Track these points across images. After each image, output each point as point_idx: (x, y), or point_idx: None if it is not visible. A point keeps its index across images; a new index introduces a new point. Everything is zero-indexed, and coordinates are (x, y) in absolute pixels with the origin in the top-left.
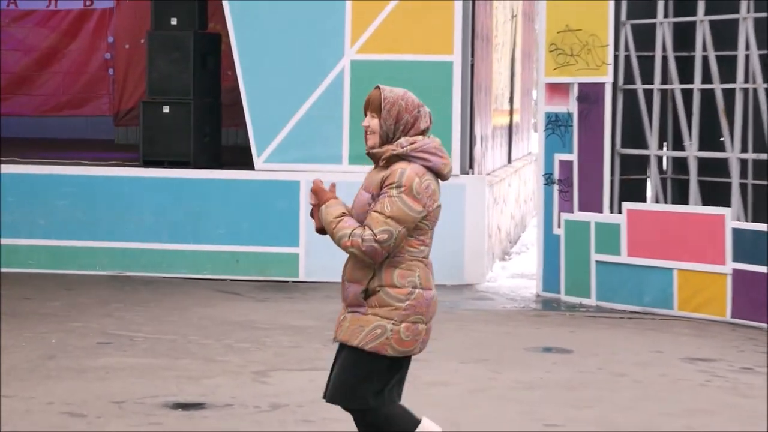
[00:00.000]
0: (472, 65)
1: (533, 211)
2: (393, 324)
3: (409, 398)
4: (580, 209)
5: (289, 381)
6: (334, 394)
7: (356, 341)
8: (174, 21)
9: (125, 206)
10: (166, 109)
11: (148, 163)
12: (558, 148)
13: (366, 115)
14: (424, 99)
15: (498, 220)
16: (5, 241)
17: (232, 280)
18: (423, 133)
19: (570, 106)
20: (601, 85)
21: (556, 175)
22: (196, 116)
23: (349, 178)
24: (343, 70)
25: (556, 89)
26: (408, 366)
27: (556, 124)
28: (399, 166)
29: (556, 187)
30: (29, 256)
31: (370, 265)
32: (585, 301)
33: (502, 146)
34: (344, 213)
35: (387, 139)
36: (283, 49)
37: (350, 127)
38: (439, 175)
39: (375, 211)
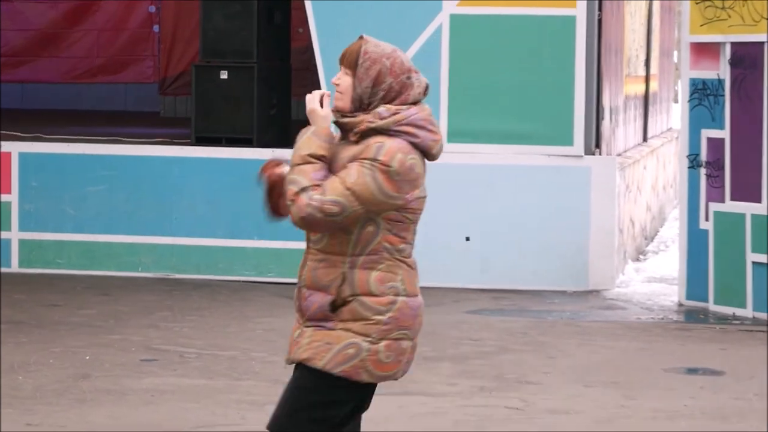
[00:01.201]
0: (600, 20)
1: (674, 201)
2: (370, 342)
3: (522, 429)
4: (733, 198)
5: (373, 407)
6: (283, 423)
7: (321, 362)
8: None
9: (173, 194)
10: (223, 75)
11: (201, 141)
12: (706, 123)
13: (340, 70)
14: (541, 61)
15: (631, 211)
16: (26, 236)
17: None
18: (413, 106)
19: (721, 71)
20: (760, 45)
21: (704, 157)
22: (260, 83)
23: (449, 159)
24: (441, 26)
25: (704, 50)
26: (374, 391)
27: (703, 93)
28: (375, 140)
29: (703, 171)
30: (57, 253)
31: (337, 265)
32: (739, 311)
33: (636, 120)
34: (324, 157)
35: (360, 105)
36: (367, 3)
37: (449, 96)
38: (427, 154)
39: (336, 176)
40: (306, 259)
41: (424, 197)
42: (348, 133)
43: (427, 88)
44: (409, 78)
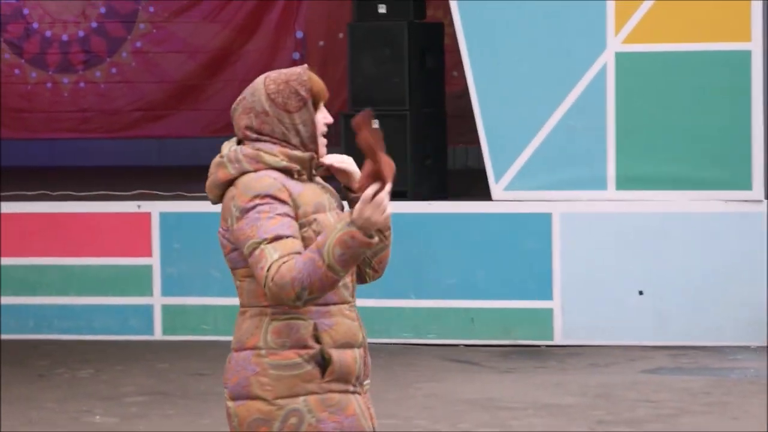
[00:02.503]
0: None
1: None
2: None
3: None
4: None
5: None
6: None
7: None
8: (382, 9)
9: None
10: (374, 124)
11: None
12: None
13: (323, 107)
14: (714, 100)
15: None
16: (169, 301)
17: (466, 345)
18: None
19: None
20: None
21: None
22: (413, 132)
23: (618, 208)
24: (605, 66)
25: None
26: None
27: None
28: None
29: None
30: (201, 319)
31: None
32: None
33: None
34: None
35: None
36: (526, 43)
37: (616, 140)
38: None
39: None
40: (354, 317)
41: None
42: (308, 172)
43: None
44: None
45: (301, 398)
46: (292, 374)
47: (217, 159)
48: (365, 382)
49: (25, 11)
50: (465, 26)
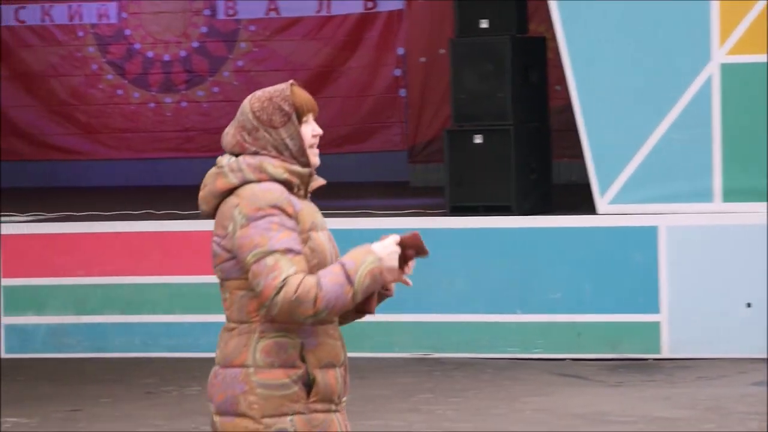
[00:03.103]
0: None
1: None
2: None
3: None
4: None
5: None
6: None
7: None
8: (484, 24)
9: (429, 267)
10: (478, 139)
11: (456, 211)
12: None
13: (311, 119)
14: None
15: None
16: None
17: (573, 359)
18: None
19: None
20: None
21: None
22: (518, 147)
23: (724, 220)
24: (711, 77)
25: None
26: None
27: None
28: None
29: None
30: None
31: None
32: None
33: None
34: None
35: None
36: (630, 55)
37: (722, 153)
38: None
39: None
40: (337, 336)
41: None
42: (305, 188)
43: None
44: None
45: (288, 418)
46: (281, 394)
47: (213, 170)
48: (343, 399)
49: (127, 32)
50: (568, 40)
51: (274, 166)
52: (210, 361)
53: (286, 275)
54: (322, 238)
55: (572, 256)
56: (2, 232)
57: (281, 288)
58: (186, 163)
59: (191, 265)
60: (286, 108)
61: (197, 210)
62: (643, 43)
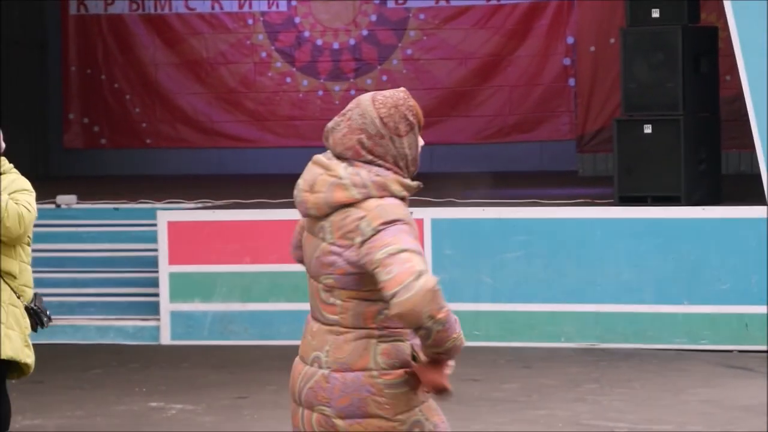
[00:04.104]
0: None
1: None
2: None
3: None
4: None
5: None
6: None
7: None
8: (656, 13)
9: (596, 258)
10: (647, 129)
11: (625, 201)
12: None
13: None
14: None
15: None
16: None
17: (741, 351)
18: None
19: None
20: None
21: None
22: (687, 137)
23: None
24: None
25: None
26: None
27: None
28: None
29: None
30: (475, 324)
31: None
32: None
33: None
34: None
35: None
36: None
37: None
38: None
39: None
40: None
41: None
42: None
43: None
44: None
45: (417, 409)
46: (406, 390)
47: (330, 179)
48: None
49: (297, 20)
50: (740, 29)
51: (396, 184)
52: None
53: (421, 268)
54: None
55: (740, 246)
56: (170, 219)
57: (420, 274)
58: None
59: None
60: (411, 117)
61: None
62: None
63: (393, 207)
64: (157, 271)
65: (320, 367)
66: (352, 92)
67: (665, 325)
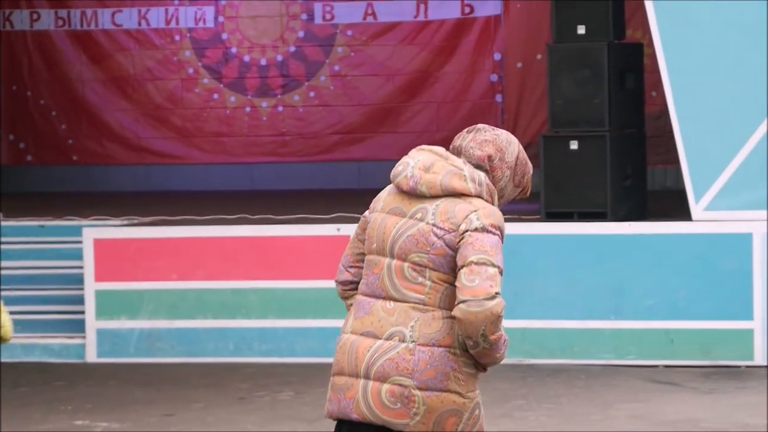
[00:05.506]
0: None
1: None
2: None
3: None
4: None
5: None
6: None
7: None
8: (581, 30)
9: (524, 274)
10: (573, 145)
11: (552, 216)
12: None
13: None
14: None
15: None
16: None
17: (666, 366)
18: None
19: None
20: None
21: None
22: (613, 153)
23: None
24: None
25: None
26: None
27: None
28: None
29: None
30: None
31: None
32: None
33: None
34: None
35: None
36: (726, 62)
37: None
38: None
39: None
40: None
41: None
42: None
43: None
44: None
45: (477, 391)
46: (475, 372)
47: (449, 166)
48: None
49: (224, 36)
50: (664, 46)
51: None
52: (304, 367)
53: (498, 291)
54: None
55: (666, 262)
56: (96, 236)
57: (495, 296)
58: (281, 167)
59: (286, 270)
60: (524, 180)
61: (292, 215)
62: (739, 49)
63: (501, 216)
64: (82, 289)
65: (402, 341)
66: (280, 108)
67: (593, 340)
